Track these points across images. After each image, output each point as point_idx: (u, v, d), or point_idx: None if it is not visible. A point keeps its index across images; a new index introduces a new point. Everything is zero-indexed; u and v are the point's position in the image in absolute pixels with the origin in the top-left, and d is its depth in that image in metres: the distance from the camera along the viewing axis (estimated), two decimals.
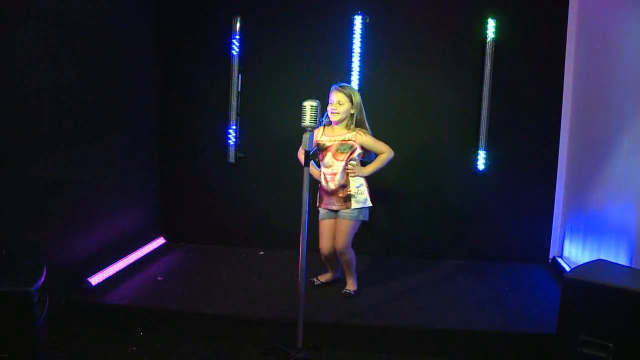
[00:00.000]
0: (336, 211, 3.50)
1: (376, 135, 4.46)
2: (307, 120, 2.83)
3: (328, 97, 3.44)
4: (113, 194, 4.02)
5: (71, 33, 3.41)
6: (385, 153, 3.48)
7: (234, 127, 4.53)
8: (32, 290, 2.39)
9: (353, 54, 4.38)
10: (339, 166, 3.44)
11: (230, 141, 4.56)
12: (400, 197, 4.58)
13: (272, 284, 3.81)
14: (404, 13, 4.45)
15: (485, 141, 4.40)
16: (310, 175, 3.23)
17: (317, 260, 4.09)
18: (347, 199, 3.45)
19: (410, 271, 4.23)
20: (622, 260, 3.24)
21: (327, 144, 3.45)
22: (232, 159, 4.59)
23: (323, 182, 3.51)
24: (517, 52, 4.37)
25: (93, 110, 3.69)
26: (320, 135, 3.48)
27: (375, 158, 3.53)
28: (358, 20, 4.34)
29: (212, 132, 4.63)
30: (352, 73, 4.38)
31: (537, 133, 4.44)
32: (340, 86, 3.43)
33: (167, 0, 4.60)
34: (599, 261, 2.98)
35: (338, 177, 3.44)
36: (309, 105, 2.82)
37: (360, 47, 4.38)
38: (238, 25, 4.47)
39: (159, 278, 3.88)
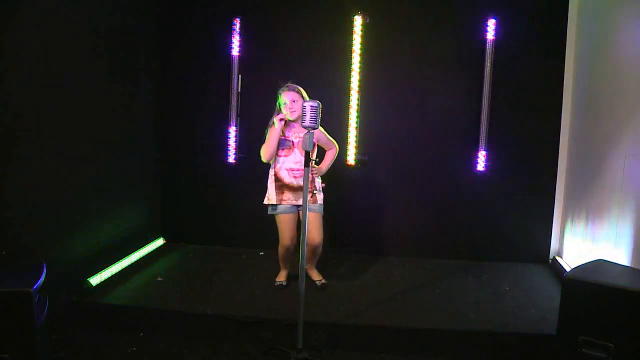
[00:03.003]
0: (298, 206, 3.61)
1: (376, 134, 4.48)
2: (307, 121, 2.83)
3: (277, 100, 3.62)
4: (113, 194, 4.03)
5: (71, 34, 3.42)
6: (334, 149, 3.73)
7: (234, 127, 4.53)
8: (32, 290, 2.39)
9: (353, 54, 4.38)
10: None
11: (230, 141, 4.56)
12: (400, 197, 4.59)
13: (272, 284, 3.81)
14: (404, 13, 4.46)
15: (485, 141, 4.40)
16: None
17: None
18: (313, 193, 3.59)
19: (410, 271, 4.23)
20: (622, 260, 3.24)
21: (294, 140, 3.59)
22: (232, 159, 4.59)
23: (287, 179, 3.59)
24: (517, 52, 4.37)
25: (93, 110, 3.70)
26: (282, 134, 3.61)
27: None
28: (358, 20, 4.34)
29: (212, 132, 4.63)
30: (352, 73, 4.38)
31: (537, 133, 4.44)
32: (288, 86, 3.62)
33: (167, 1, 4.60)
34: (599, 261, 2.98)
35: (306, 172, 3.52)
36: (309, 106, 2.83)
37: (360, 47, 4.37)
38: (238, 25, 4.47)
39: (159, 278, 3.88)
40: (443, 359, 3.13)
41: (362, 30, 4.36)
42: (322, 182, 3.70)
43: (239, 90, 4.52)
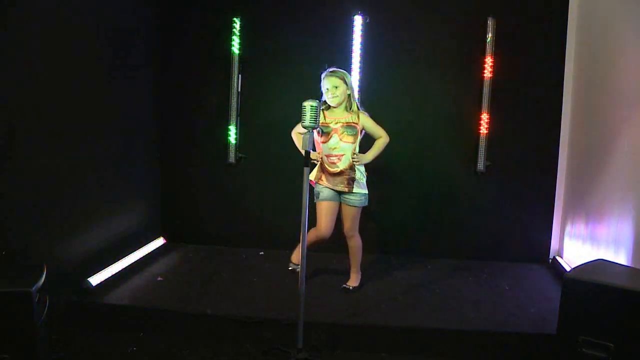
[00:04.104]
0: (339, 193, 3.53)
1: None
2: (307, 121, 2.84)
3: (321, 85, 3.52)
4: (113, 194, 4.02)
5: (70, 33, 3.41)
6: (382, 137, 3.59)
7: (234, 127, 4.54)
8: (32, 290, 2.39)
9: (353, 54, 4.38)
10: (346, 148, 3.49)
11: (230, 141, 4.56)
12: (400, 197, 4.59)
13: (272, 284, 3.81)
14: (404, 13, 4.46)
15: (485, 141, 4.40)
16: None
17: (316, 260, 4.08)
18: (351, 181, 3.51)
19: (410, 271, 4.23)
20: (622, 260, 3.24)
21: (333, 126, 3.50)
22: (232, 159, 4.59)
23: (326, 165, 3.53)
24: (517, 52, 4.37)
25: (93, 110, 3.69)
26: (324, 118, 3.52)
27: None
28: (358, 20, 4.34)
29: (212, 132, 4.63)
30: (352, 73, 4.38)
31: (537, 133, 4.45)
32: (331, 71, 3.51)
33: (167, 1, 4.60)
34: (599, 261, 2.98)
35: (346, 158, 3.49)
36: (309, 106, 2.83)
37: (360, 47, 4.38)
38: (238, 25, 4.47)
39: (159, 278, 3.88)
40: (443, 359, 3.13)
41: (362, 30, 4.36)
42: (365, 172, 3.58)
43: (239, 90, 4.52)
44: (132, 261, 4.07)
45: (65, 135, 3.41)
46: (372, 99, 4.42)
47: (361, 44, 4.37)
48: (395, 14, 4.45)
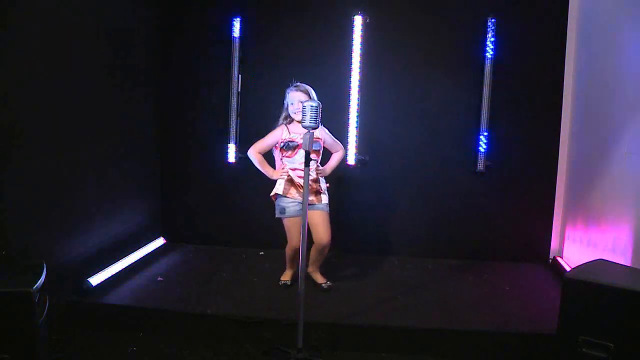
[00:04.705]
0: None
1: (376, 134, 4.48)
2: (308, 121, 2.83)
3: (284, 99, 3.60)
4: (113, 194, 4.03)
5: (70, 33, 3.41)
6: (340, 152, 3.71)
7: (234, 127, 4.53)
8: (32, 290, 2.39)
9: (353, 54, 4.38)
10: (312, 163, 3.53)
11: (231, 141, 4.56)
12: (400, 197, 4.59)
13: (272, 284, 3.81)
14: (404, 13, 4.46)
15: (485, 141, 4.40)
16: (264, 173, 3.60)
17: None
18: (318, 193, 3.57)
19: (410, 271, 4.23)
20: (622, 260, 3.24)
21: (299, 141, 3.52)
22: (232, 159, 4.59)
23: (295, 179, 3.55)
24: (517, 52, 4.37)
25: (93, 110, 3.70)
26: (288, 134, 3.56)
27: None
28: (358, 20, 4.34)
29: (212, 132, 4.63)
30: (352, 73, 4.38)
31: (537, 133, 4.45)
32: (296, 86, 3.58)
33: (167, 1, 4.60)
34: (599, 261, 2.97)
35: (313, 172, 3.55)
36: (309, 106, 2.82)
37: (360, 47, 4.37)
38: (238, 25, 4.47)
39: (159, 278, 3.88)
40: (443, 359, 3.13)
41: (362, 30, 4.36)
42: (326, 183, 3.69)
43: (239, 90, 4.52)
44: (132, 261, 4.07)
45: (65, 135, 3.41)
46: (371, 99, 4.42)
47: (361, 44, 4.37)
48: (395, 14, 4.45)
